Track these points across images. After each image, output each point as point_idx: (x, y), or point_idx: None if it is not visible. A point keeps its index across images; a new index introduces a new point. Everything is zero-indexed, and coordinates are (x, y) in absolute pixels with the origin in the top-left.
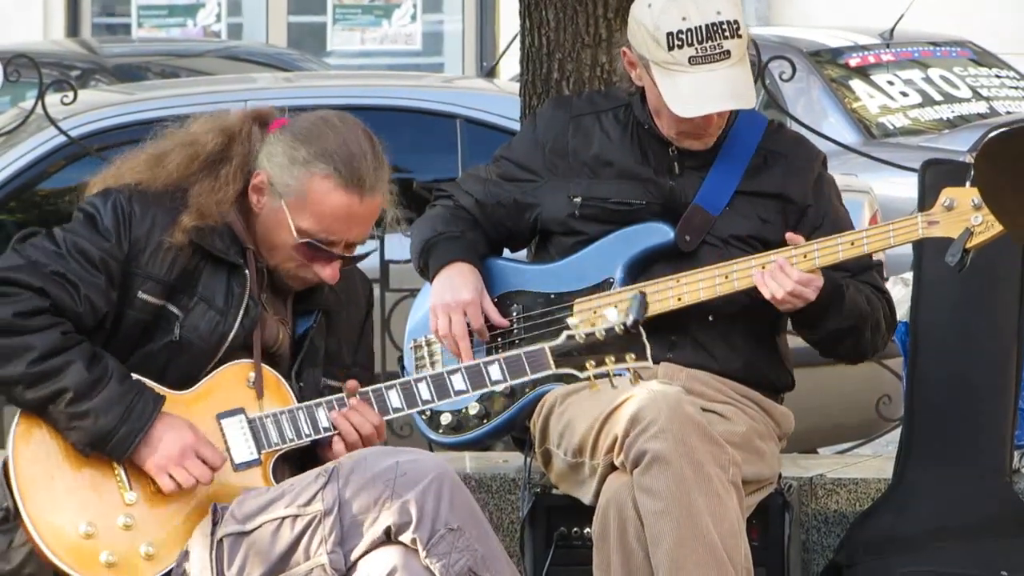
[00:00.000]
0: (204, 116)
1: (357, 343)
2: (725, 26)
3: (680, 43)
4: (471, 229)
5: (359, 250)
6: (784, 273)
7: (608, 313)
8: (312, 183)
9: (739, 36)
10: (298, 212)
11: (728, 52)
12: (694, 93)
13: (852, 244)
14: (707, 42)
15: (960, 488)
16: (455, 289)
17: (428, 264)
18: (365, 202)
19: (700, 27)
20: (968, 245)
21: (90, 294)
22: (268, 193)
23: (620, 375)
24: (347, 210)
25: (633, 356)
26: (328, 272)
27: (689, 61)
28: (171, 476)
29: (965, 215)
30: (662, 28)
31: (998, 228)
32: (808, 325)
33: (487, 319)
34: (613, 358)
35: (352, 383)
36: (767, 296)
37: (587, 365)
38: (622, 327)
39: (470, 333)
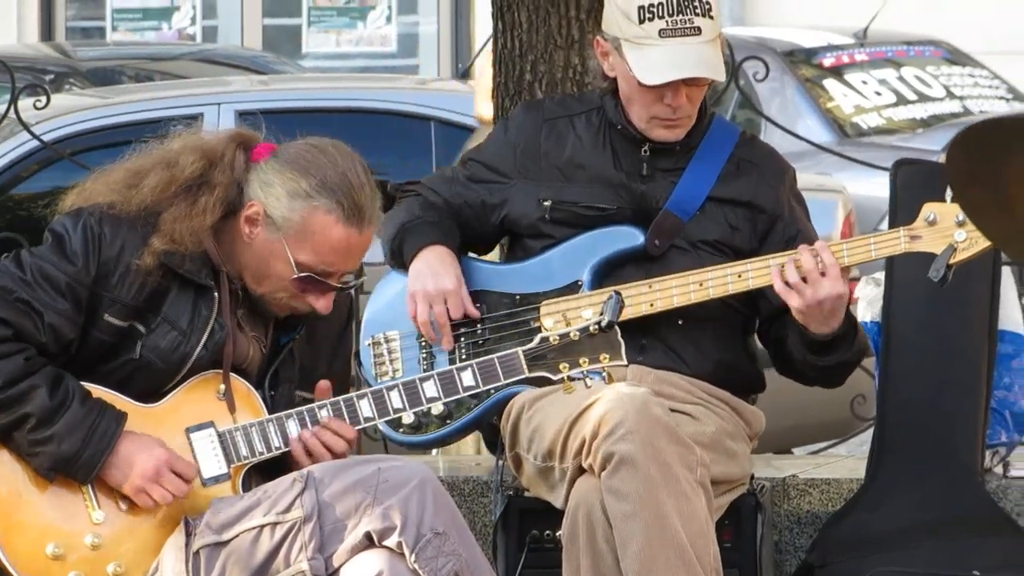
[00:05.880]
0: (185, 133)
1: (334, 353)
2: (696, 4)
3: (651, 15)
4: (447, 218)
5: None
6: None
7: (584, 313)
8: (314, 217)
9: (711, 18)
10: (297, 246)
11: (699, 29)
12: (662, 63)
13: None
14: (677, 16)
15: (933, 487)
16: (436, 276)
17: (403, 248)
18: (364, 234)
19: (672, 0)
20: (951, 261)
21: (54, 322)
22: (263, 225)
23: (594, 377)
24: (347, 243)
25: (607, 356)
26: (322, 303)
27: (659, 34)
28: (148, 494)
29: (948, 231)
30: (633, 2)
31: (982, 245)
32: (821, 350)
33: None
34: (587, 359)
35: (323, 383)
36: (818, 299)
37: (560, 367)
38: (596, 327)
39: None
